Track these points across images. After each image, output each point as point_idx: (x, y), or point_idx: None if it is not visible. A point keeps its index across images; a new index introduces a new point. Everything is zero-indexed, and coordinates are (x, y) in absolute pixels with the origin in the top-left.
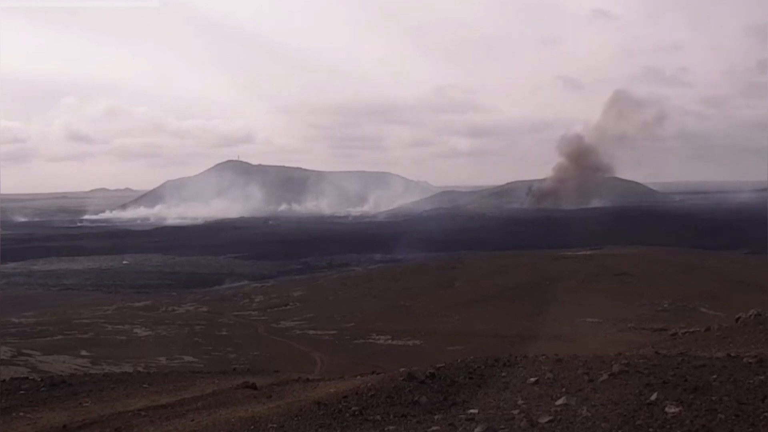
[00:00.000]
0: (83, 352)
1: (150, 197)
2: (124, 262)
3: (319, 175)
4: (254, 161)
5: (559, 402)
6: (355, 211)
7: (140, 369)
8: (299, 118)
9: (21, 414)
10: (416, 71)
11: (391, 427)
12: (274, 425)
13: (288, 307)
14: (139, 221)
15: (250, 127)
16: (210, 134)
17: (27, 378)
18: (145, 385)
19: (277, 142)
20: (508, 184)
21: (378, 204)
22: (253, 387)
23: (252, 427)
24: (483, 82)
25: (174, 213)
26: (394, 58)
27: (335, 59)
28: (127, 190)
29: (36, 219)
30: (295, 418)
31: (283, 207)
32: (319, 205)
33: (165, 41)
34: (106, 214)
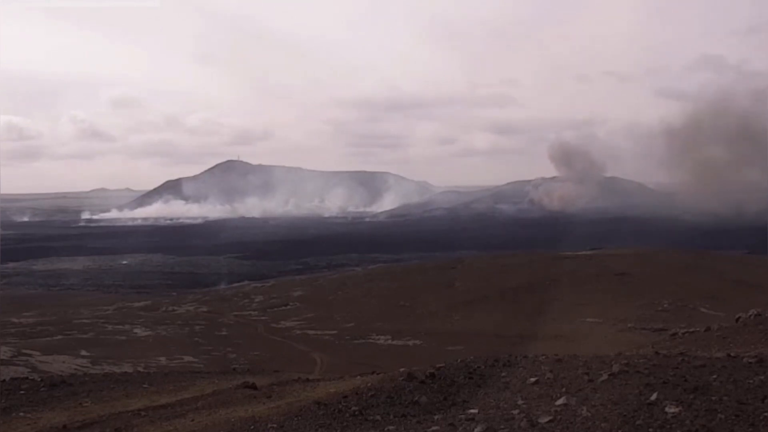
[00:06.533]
0: (83, 352)
1: (150, 197)
2: (124, 262)
3: (320, 175)
4: (254, 161)
5: (559, 402)
6: (355, 211)
7: (140, 369)
8: (305, 117)
9: (21, 414)
10: (436, 67)
11: (391, 427)
12: (274, 425)
13: (288, 307)
14: (139, 221)
15: (254, 127)
16: (214, 134)
17: (27, 378)
18: (145, 385)
19: (280, 141)
20: (507, 184)
21: (378, 204)
22: (253, 387)
23: (252, 427)
24: (519, 78)
25: (174, 213)
26: (411, 53)
27: (344, 55)
28: (127, 190)
29: (36, 219)
30: (295, 418)
31: (283, 207)
32: (319, 205)
33: (172, 39)
34: (106, 214)
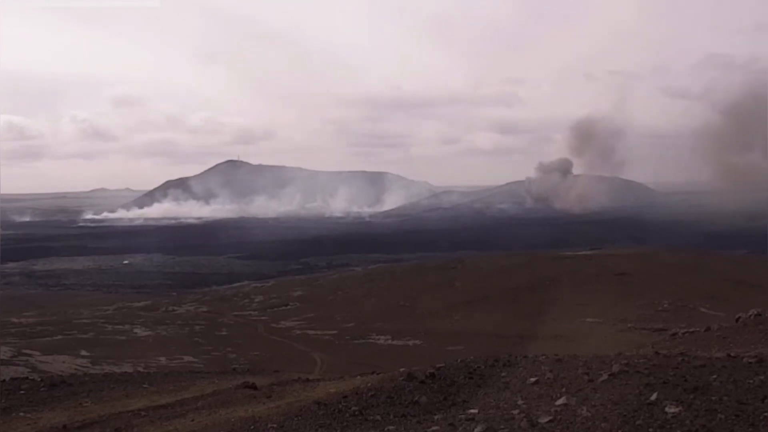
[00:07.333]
0: (83, 352)
1: (150, 197)
2: (124, 262)
3: (320, 175)
4: (255, 161)
5: (559, 402)
6: (355, 211)
7: (140, 369)
8: (307, 116)
9: (21, 414)
10: (439, 66)
11: (391, 427)
12: (274, 425)
13: (288, 307)
14: (139, 221)
15: (256, 126)
16: (215, 134)
17: (27, 378)
18: (145, 385)
19: (282, 141)
20: (508, 184)
21: (380, 204)
22: (253, 387)
23: (252, 427)
24: (523, 78)
25: (174, 213)
26: (414, 52)
27: (346, 54)
28: (127, 190)
29: (36, 219)
30: (295, 418)
31: (283, 207)
32: (320, 205)
33: (174, 38)
34: (106, 214)
